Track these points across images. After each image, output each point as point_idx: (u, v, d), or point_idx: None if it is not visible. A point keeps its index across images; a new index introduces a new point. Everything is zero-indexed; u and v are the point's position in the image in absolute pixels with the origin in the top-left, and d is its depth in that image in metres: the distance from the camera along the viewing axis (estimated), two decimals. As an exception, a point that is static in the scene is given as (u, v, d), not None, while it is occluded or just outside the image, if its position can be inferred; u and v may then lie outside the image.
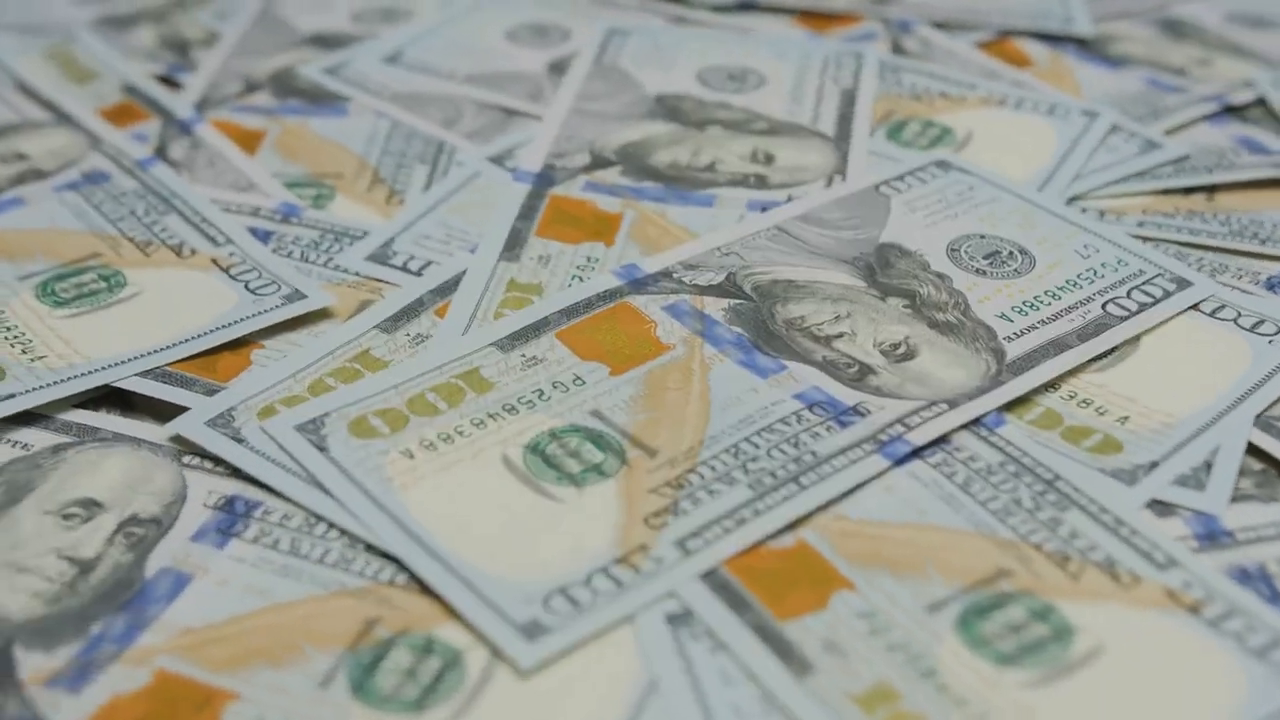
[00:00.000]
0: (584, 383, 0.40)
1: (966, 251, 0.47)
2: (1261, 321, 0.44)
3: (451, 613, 0.34)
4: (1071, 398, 0.41)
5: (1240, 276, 0.47)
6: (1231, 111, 0.59)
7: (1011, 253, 0.47)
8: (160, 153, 0.51)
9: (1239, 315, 0.44)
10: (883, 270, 0.45)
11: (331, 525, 0.36)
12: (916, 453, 0.38)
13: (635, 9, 0.65)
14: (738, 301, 0.44)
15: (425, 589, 0.34)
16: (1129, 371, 0.42)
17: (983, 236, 0.47)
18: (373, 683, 0.32)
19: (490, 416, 0.39)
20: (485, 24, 0.62)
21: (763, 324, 0.43)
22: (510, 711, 0.31)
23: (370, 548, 0.35)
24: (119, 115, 0.54)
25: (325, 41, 0.61)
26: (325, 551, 0.35)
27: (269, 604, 0.34)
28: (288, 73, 0.58)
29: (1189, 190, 0.53)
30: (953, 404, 0.39)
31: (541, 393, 0.40)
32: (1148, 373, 0.42)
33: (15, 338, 0.42)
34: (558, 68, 0.59)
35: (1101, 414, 0.40)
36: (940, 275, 0.45)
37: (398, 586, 0.34)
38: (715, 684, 0.32)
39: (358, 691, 0.32)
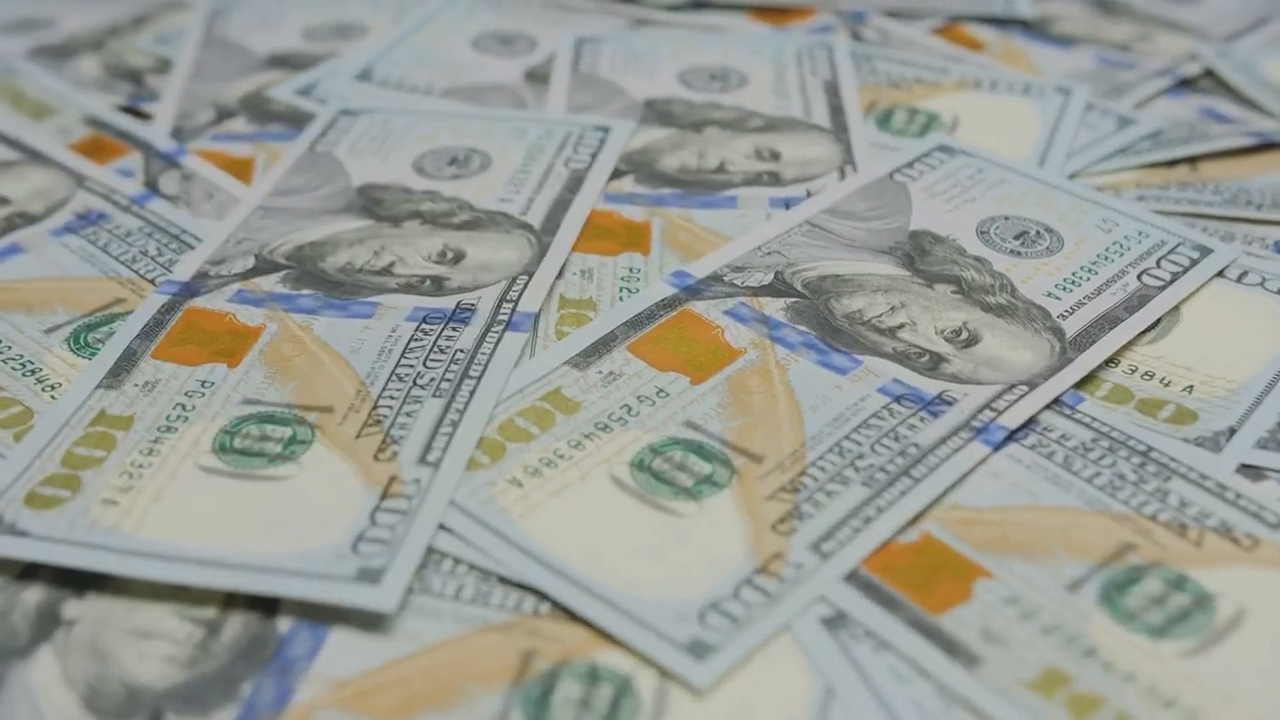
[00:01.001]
0: (667, 394, 0.40)
1: (996, 233, 0.47)
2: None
3: (606, 637, 0.33)
4: (1134, 371, 0.42)
5: (1250, 242, 0.49)
6: (1184, 84, 0.61)
7: (1039, 232, 0.47)
8: (151, 187, 0.49)
9: (1264, 280, 0.46)
10: (921, 258, 0.46)
11: (458, 561, 0.35)
12: (1010, 436, 0.39)
13: (594, 12, 0.64)
14: (793, 300, 0.44)
15: (570, 615, 0.33)
16: (1179, 341, 0.43)
17: (1007, 218, 0.48)
18: (549, 718, 0.31)
19: (585, 437, 0.38)
20: (448, 34, 0.61)
21: (825, 321, 0.43)
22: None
23: (502, 579, 0.34)
24: (93, 150, 0.52)
25: (285, 62, 0.59)
26: (459, 587, 0.34)
27: (418, 649, 0.33)
28: (258, 96, 0.56)
29: (1172, 163, 0.54)
30: (1031, 385, 0.40)
31: (629, 408, 0.39)
32: (1198, 341, 0.43)
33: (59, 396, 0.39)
34: (534, 76, 0.58)
35: (1166, 385, 0.41)
36: (979, 259, 0.46)
37: (542, 616, 0.34)
38: (889, 683, 0.32)
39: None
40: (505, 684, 0.32)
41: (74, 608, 0.33)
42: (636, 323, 0.42)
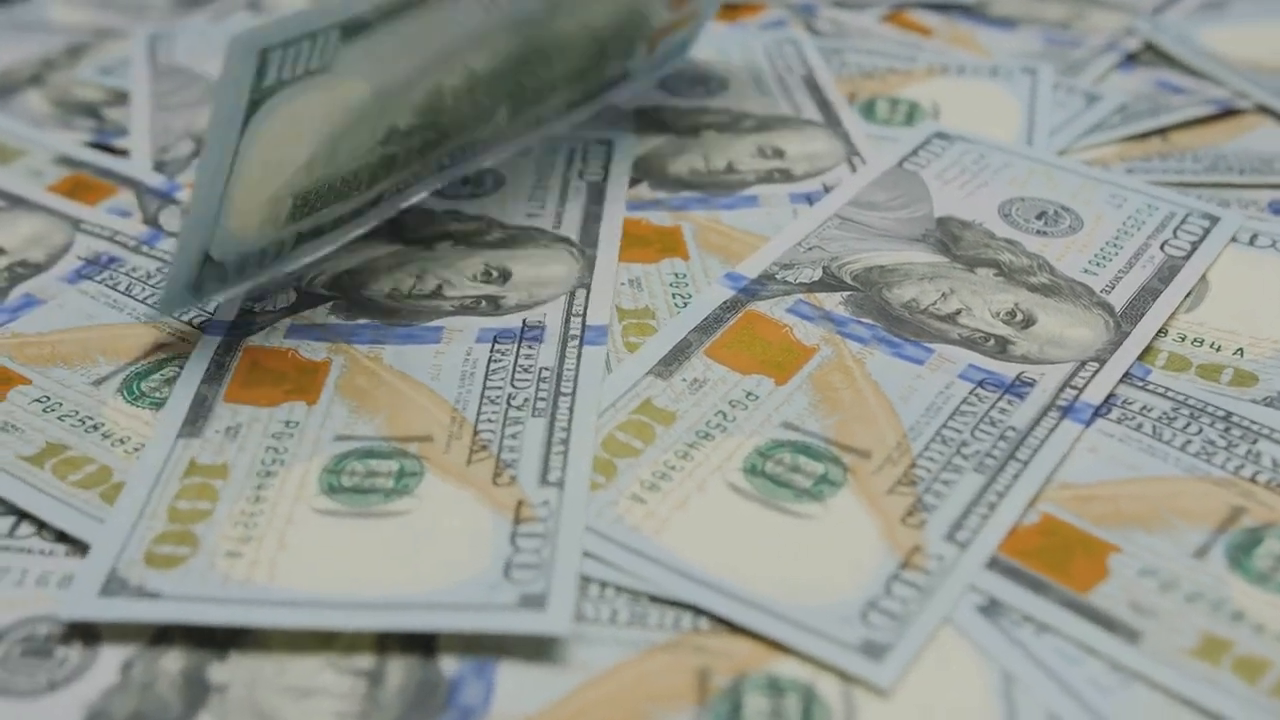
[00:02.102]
0: (757, 397, 0.40)
1: (1019, 214, 0.48)
2: (1296, 244, 0.48)
3: (773, 646, 0.33)
4: (1183, 339, 0.43)
5: (1245, 206, 0.51)
6: (1130, 58, 0.63)
7: (1057, 211, 0.49)
8: (153, 225, 0.47)
9: (1275, 242, 0.48)
10: (955, 244, 0.46)
11: (604, 584, 0.34)
12: (1096, 412, 0.40)
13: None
14: (848, 293, 0.44)
15: (731, 628, 0.33)
16: (1215, 307, 0.45)
17: (1024, 199, 0.49)
18: (745, 733, 0.31)
19: (690, 446, 0.38)
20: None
21: (885, 312, 0.43)
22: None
23: (654, 598, 0.34)
24: (76, 191, 0.49)
25: (248, 86, 0.57)
26: (613, 611, 0.34)
27: (592, 677, 0.32)
28: (234, 123, 0.54)
29: (1145, 135, 0.56)
30: (1099, 360, 0.41)
31: (724, 414, 0.39)
32: (1232, 305, 0.45)
33: (132, 449, 0.38)
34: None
35: (1217, 350, 0.43)
36: (1010, 241, 0.47)
37: (703, 632, 0.33)
38: (1062, 665, 0.33)
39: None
40: (690, 704, 0.31)
41: (221, 671, 0.32)
42: (706, 327, 0.42)
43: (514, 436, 0.38)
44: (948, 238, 0.47)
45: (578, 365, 0.40)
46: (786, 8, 0.66)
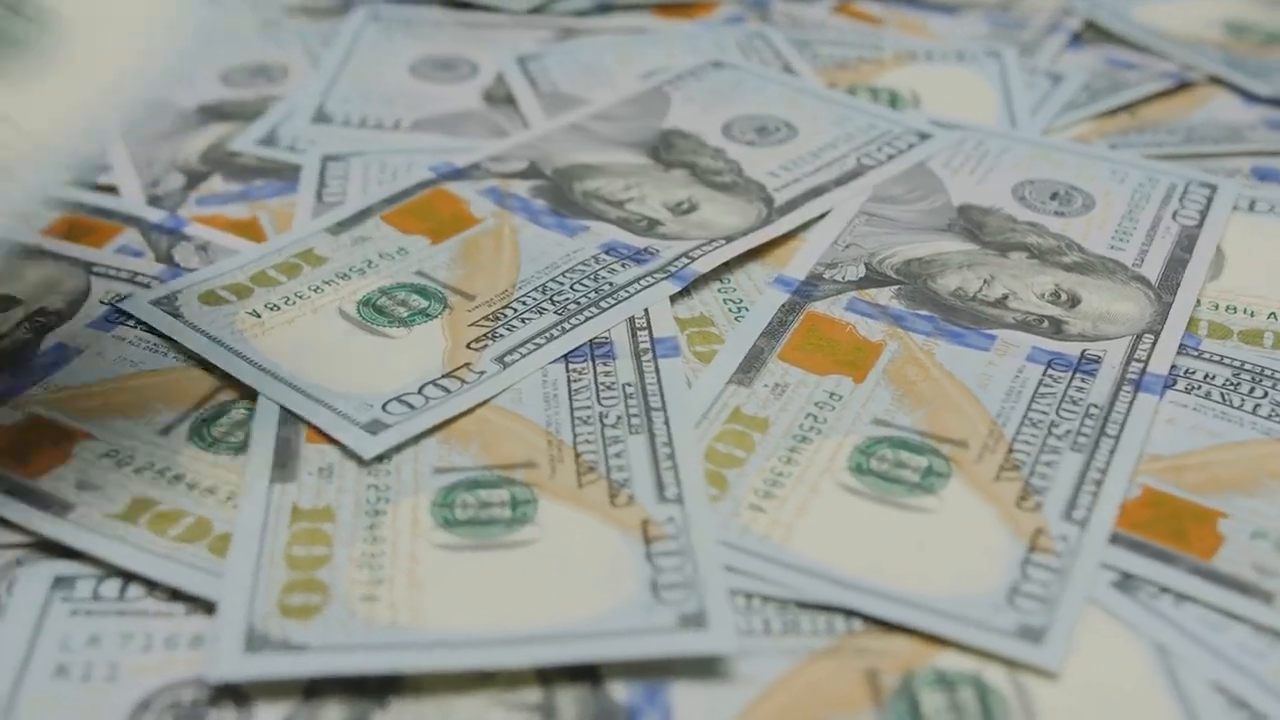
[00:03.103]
0: (840, 396, 0.40)
1: (1033, 196, 0.49)
2: (1294, 208, 0.50)
3: (930, 640, 0.33)
4: (1216, 307, 0.45)
5: (1232, 175, 0.53)
6: (1075, 37, 0.65)
7: (1067, 191, 0.50)
8: (169, 263, 0.45)
9: (1272, 207, 0.50)
10: (980, 231, 0.47)
11: (749, 595, 0.34)
12: (1165, 385, 0.41)
13: (509, 27, 0.63)
14: (896, 287, 0.44)
15: (887, 627, 0.33)
16: (1236, 274, 0.46)
17: (1032, 182, 0.50)
18: (933, 730, 0.31)
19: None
20: (381, 65, 0.58)
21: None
22: None
23: (801, 604, 0.34)
24: (75, 233, 0.47)
25: (219, 112, 0.55)
26: (765, 621, 0.33)
27: (764, 690, 0.32)
28: (220, 151, 0.52)
29: (1113, 111, 0.58)
30: (1152, 331, 0.42)
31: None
32: (1252, 271, 0.46)
33: (225, 498, 0.36)
34: (492, 99, 0.56)
35: (1251, 315, 0.44)
36: (1032, 224, 0.48)
37: (857, 633, 0.33)
38: (1209, 632, 0.33)
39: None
40: (867, 707, 0.31)
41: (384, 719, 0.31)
42: (772, 332, 0.42)
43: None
44: (972, 225, 0.48)
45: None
46: (740, 3, 0.66)
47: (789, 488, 0.37)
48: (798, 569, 0.34)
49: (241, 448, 0.38)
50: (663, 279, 0.43)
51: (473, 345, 0.41)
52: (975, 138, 0.53)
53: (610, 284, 0.43)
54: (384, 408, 0.38)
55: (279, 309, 0.42)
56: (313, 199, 0.48)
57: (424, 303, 0.43)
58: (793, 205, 0.48)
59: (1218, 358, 0.42)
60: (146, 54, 0.33)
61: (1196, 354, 0.42)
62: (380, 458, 0.37)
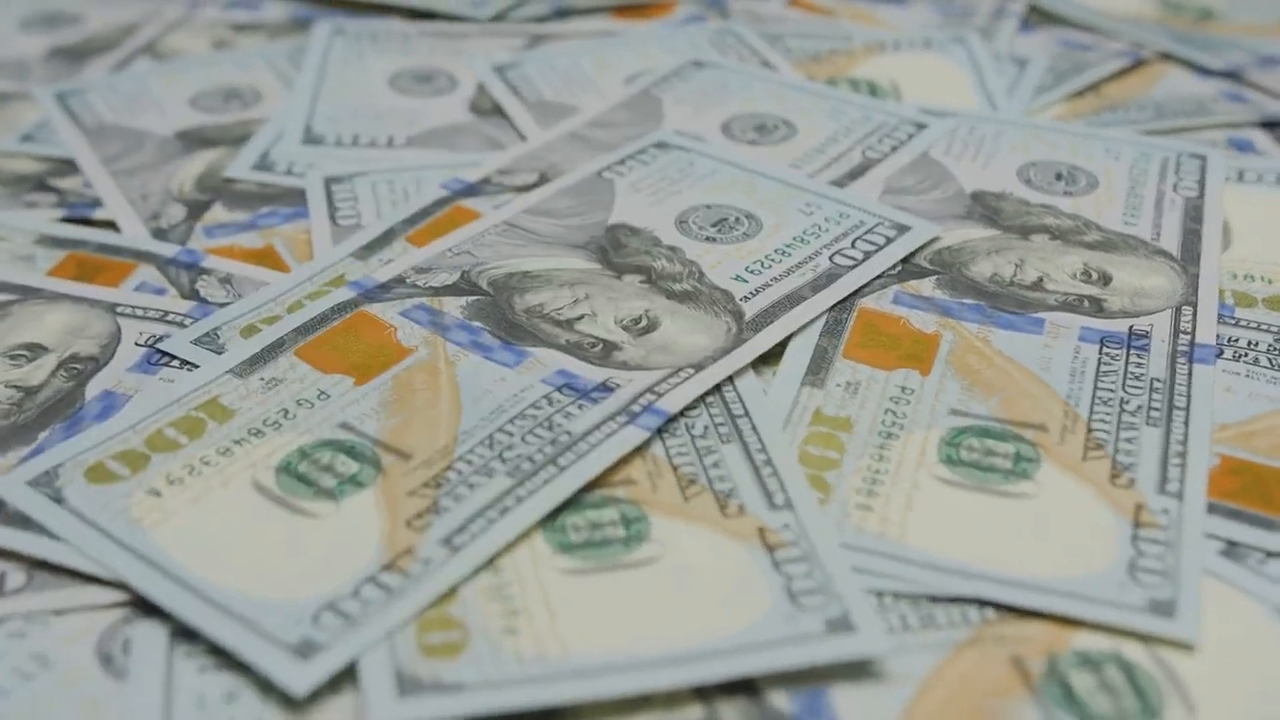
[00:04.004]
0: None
1: (1039, 179, 0.50)
2: (1281, 175, 0.52)
3: (1065, 622, 0.33)
4: (1234, 276, 0.46)
5: (1214, 146, 0.55)
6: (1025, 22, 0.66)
7: (1070, 171, 0.51)
8: (197, 299, 0.44)
9: (1261, 176, 0.52)
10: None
11: (880, 594, 0.34)
12: (1215, 354, 0.42)
13: (476, 36, 0.62)
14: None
15: (1019, 613, 0.34)
16: (1245, 244, 0.48)
17: (1035, 164, 0.51)
18: (1091, 713, 0.32)
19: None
20: (357, 82, 0.57)
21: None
22: (1228, 698, 0.32)
23: (921, 599, 0.34)
24: (87, 272, 0.45)
25: (199, 137, 0.53)
26: (902, 618, 0.34)
27: (919, 687, 0.32)
28: (213, 179, 0.51)
29: (1081, 92, 0.60)
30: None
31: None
32: (1260, 239, 0.48)
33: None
34: (478, 109, 0.55)
35: (1270, 283, 0.46)
36: (1045, 205, 0.49)
37: (991, 622, 0.34)
38: (1325, 591, 0.35)
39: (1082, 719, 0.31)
40: (1023, 693, 0.32)
41: (553, 752, 0.30)
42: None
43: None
44: (989, 210, 0.49)
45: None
46: (697, 2, 0.66)
47: (889, 484, 0.37)
48: (921, 564, 0.35)
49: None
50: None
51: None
52: (968, 124, 0.54)
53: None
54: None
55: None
56: (326, 223, 0.47)
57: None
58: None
59: (1255, 324, 0.43)
60: None
61: (1234, 322, 0.44)
62: None
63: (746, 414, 0.39)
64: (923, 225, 0.47)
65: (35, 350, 0.41)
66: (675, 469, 0.37)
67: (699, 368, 0.40)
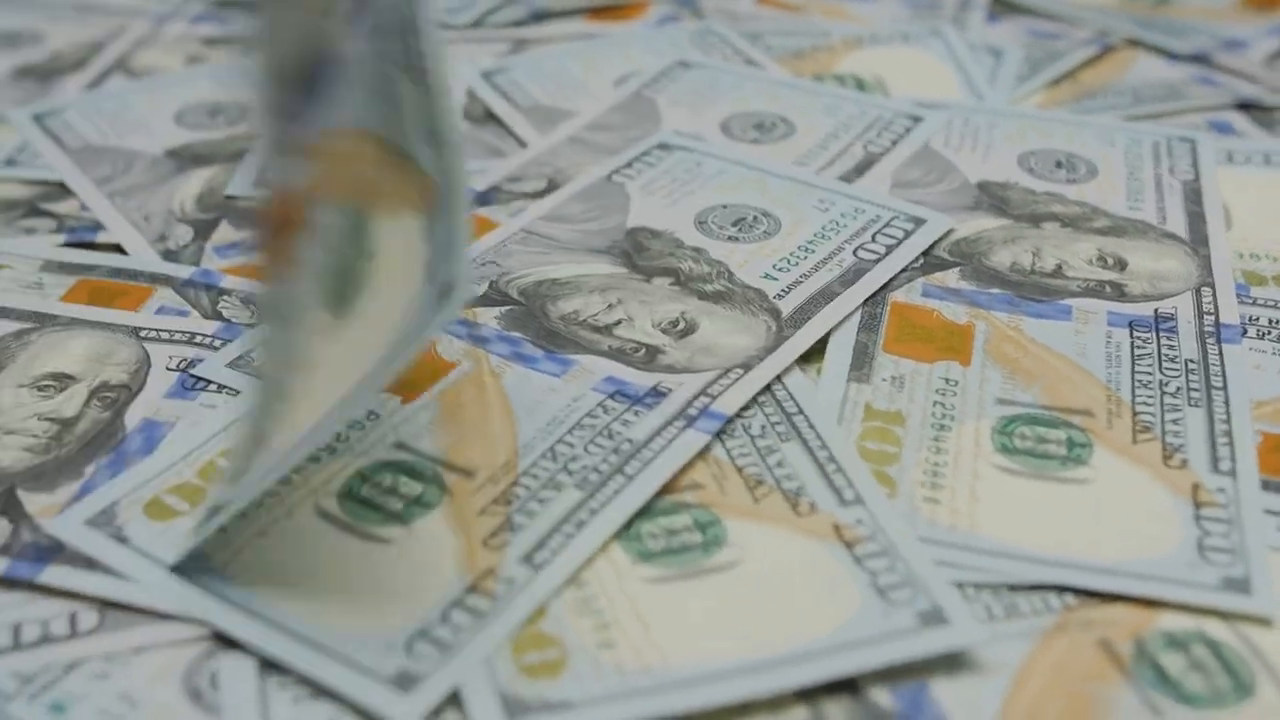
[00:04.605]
0: (956, 381, 0.41)
1: (1040, 168, 0.51)
2: (1269, 156, 0.53)
3: (1144, 604, 0.34)
4: (1241, 257, 0.47)
5: (1197, 129, 0.56)
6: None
7: (1069, 159, 0.52)
8: (221, 320, 0.43)
9: (1249, 157, 0.53)
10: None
11: (961, 585, 0.35)
12: (1240, 333, 0.43)
13: (457, 43, 0.61)
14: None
15: (1099, 597, 0.34)
16: (1247, 225, 0.49)
17: (1034, 152, 0.52)
18: (1187, 692, 0.32)
19: (936, 440, 0.38)
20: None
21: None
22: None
23: (1001, 588, 0.34)
24: (102, 297, 0.44)
25: (190, 156, 0.52)
26: (987, 608, 0.34)
27: (1015, 678, 0.32)
28: (214, 197, 0.50)
29: (1058, 80, 0.61)
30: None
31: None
32: (1260, 220, 0.49)
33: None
34: (471, 116, 0.55)
35: (1276, 260, 0.47)
36: (1050, 194, 0.50)
37: (1073, 607, 0.34)
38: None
39: (1179, 699, 0.32)
40: (1117, 676, 0.32)
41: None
42: (867, 326, 0.43)
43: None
44: (997, 200, 0.49)
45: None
46: (670, 2, 0.66)
47: (950, 476, 0.37)
48: (998, 554, 0.35)
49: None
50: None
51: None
52: (961, 115, 0.54)
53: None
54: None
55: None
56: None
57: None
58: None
59: (1272, 302, 0.44)
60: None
61: (1251, 301, 0.44)
62: None
63: (801, 411, 0.39)
64: (937, 218, 0.47)
65: (63, 380, 0.40)
66: (740, 470, 0.37)
67: (746, 367, 0.40)
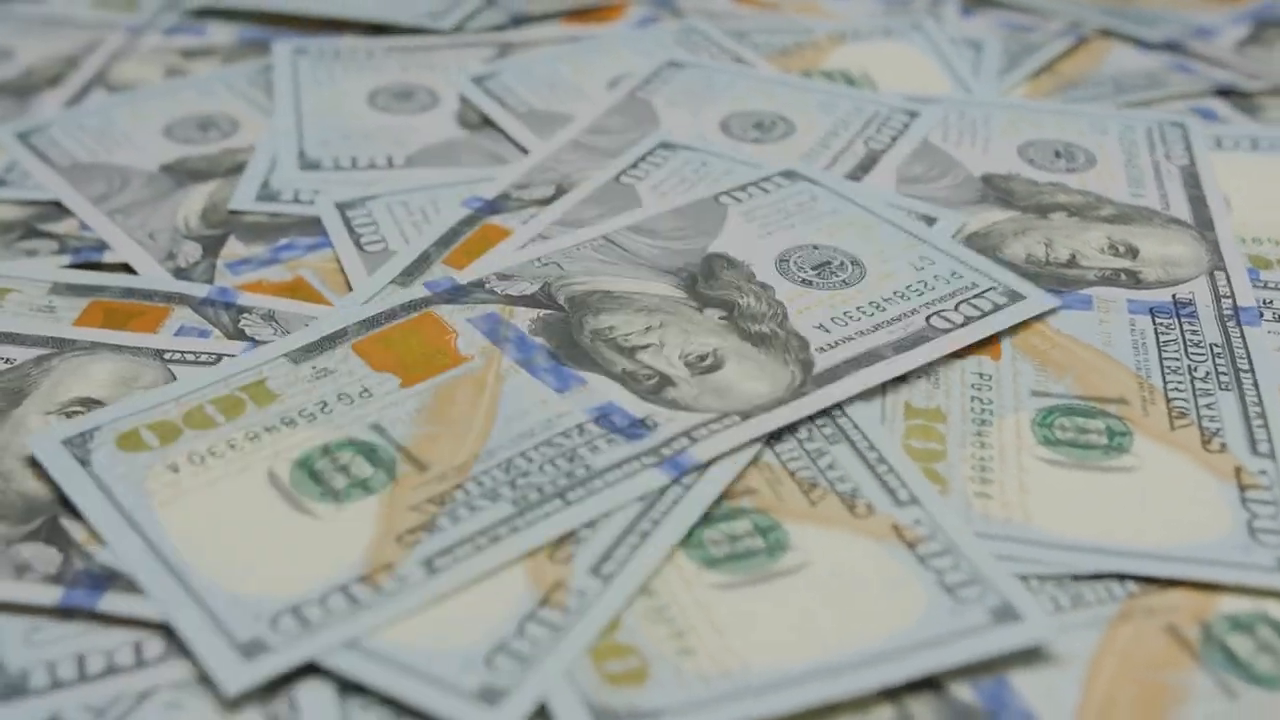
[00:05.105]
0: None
1: (1040, 158, 0.52)
2: (1256, 141, 0.54)
3: (1204, 588, 0.35)
4: (1244, 241, 0.48)
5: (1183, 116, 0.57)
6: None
7: (1067, 148, 0.52)
8: (244, 339, 0.43)
9: (1237, 143, 0.54)
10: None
11: (1024, 577, 0.35)
12: (1259, 316, 0.44)
13: (442, 49, 0.61)
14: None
15: (1159, 584, 0.35)
16: (1248, 210, 0.50)
17: (1032, 144, 0.53)
18: (1259, 673, 0.33)
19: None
20: (337, 104, 0.56)
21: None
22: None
23: (1065, 579, 0.35)
24: (117, 318, 0.43)
25: (185, 170, 0.52)
26: (1053, 599, 0.34)
27: (1087, 668, 0.33)
28: (217, 212, 0.49)
29: (1038, 72, 0.61)
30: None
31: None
32: (1260, 205, 0.50)
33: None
34: (467, 123, 0.55)
35: (1278, 243, 0.48)
36: (1054, 184, 0.50)
37: (1135, 595, 0.35)
38: None
39: (1251, 681, 0.32)
40: (1188, 661, 0.33)
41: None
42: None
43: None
44: (1002, 193, 0.50)
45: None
46: (648, 3, 0.66)
47: (997, 470, 0.38)
48: (1056, 545, 0.35)
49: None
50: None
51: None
52: (955, 109, 0.55)
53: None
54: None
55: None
56: (354, 250, 0.46)
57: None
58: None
59: (1281, 286, 0.45)
60: None
61: (1262, 285, 0.45)
62: None
63: (844, 412, 0.39)
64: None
65: (89, 405, 0.39)
66: (792, 474, 0.37)
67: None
